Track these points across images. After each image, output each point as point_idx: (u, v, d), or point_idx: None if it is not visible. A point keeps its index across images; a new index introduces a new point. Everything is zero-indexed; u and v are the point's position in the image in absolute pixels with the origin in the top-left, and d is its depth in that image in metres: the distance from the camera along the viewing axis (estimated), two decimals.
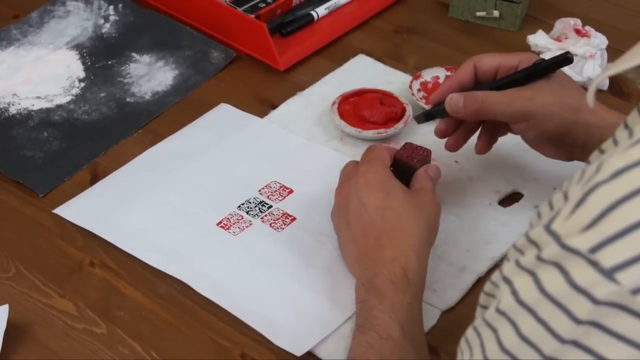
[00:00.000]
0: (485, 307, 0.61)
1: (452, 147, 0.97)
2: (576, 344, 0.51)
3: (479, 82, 0.94)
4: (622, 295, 0.49)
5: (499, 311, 0.56)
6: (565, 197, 0.55)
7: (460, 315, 0.87)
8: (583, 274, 0.50)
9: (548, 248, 0.53)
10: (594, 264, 0.50)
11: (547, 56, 1.12)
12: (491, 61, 0.93)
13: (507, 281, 0.56)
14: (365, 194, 0.86)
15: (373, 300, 0.80)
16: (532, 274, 0.53)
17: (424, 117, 0.97)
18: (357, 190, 0.87)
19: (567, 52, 0.91)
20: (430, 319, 0.86)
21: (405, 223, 0.84)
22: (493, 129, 0.96)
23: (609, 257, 0.50)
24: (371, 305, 0.80)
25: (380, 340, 0.77)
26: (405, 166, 0.92)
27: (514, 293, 0.55)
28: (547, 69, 0.90)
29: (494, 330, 0.56)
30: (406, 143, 0.94)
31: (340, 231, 0.90)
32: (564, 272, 0.51)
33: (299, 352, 0.83)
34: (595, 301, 0.50)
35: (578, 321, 0.51)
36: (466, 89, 0.93)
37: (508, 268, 0.56)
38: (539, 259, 0.53)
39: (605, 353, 0.51)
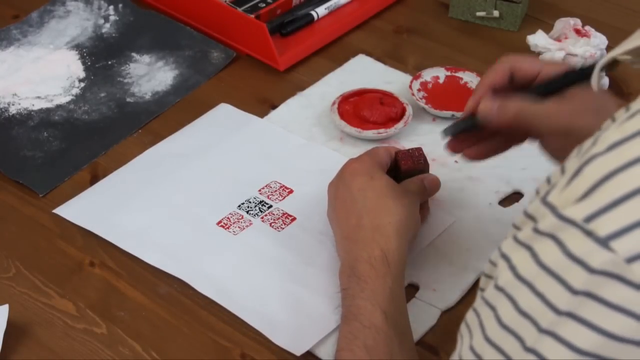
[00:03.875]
0: (484, 290, 0.61)
1: (477, 156, 0.88)
2: (572, 315, 0.52)
3: (514, 87, 0.84)
4: (617, 264, 0.50)
5: (498, 287, 0.56)
6: (563, 171, 0.55)
7: (460, 315, 0.87)
8: (578, 243, 0.51)
9: (544, 219, 0.53)
10: (589, 233, 0.50)
11: (546, 57, 1.12)
12: (532, 66, 0.83)
13: (505, 257, 0.56)
14: (349, 180, 0.88)
15: (354, 287, 0.81)
16: (529, 248, 0.54)
17: (452, 130, 0.87)
18: (343, 179, 0.89)
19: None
20: (430, 318, 0.86)
21: (387, 202, 0.85)
22: (510, 137, 0.87)
23: (603, 225, 0.50)
24: (353, 293, 0.80)
25: (364, 330, 0.77)
26: (415, 172, 0.91)
27: (512, 268, 0.55)
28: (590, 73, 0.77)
29: (492, 308, 0.56)
30: (397, 152, 0.92)
31: (331, 221, 0.90)
32: (560, 242, 0.52)
33: (298, 352, 0.83)
34: (590, 270, 0.50)
35: (574, 291, 0.51)
36: (501, 94, 0.84)
37: (506, 244, 0.57)
38: (536, 230, 0.53)
39: (601, 323, 0.51)
